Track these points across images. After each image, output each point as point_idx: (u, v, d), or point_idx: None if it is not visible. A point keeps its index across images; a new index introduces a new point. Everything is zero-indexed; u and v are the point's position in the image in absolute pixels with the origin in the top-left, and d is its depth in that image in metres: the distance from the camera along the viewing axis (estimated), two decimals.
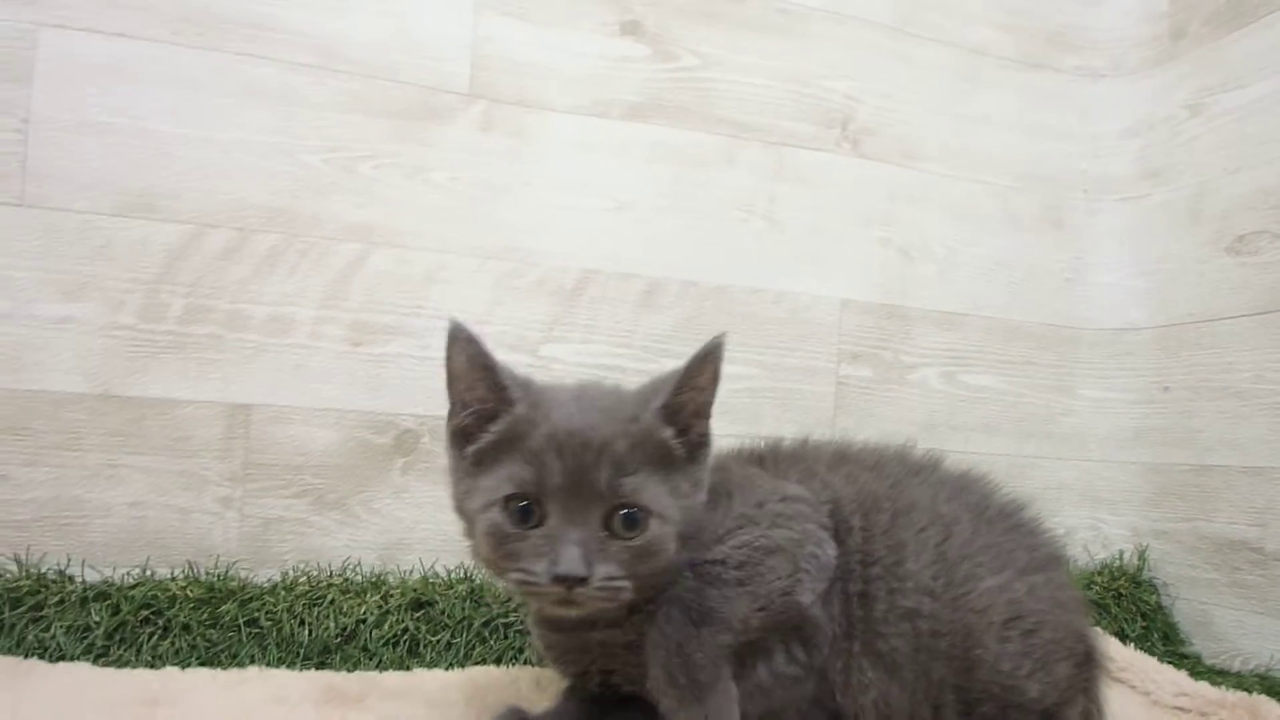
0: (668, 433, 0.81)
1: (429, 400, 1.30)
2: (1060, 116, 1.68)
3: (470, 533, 0.83)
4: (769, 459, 0.97)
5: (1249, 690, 1.23)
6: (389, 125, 1.29)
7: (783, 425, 1.48)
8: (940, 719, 0.86)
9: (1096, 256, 1.67)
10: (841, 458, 0.97)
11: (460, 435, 0.84)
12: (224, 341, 1.22)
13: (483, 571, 0.80)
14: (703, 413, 0.84)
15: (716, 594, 0.82)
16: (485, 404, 0.82)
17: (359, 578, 1.20)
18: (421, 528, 1.29)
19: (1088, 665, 0.92)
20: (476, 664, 1.16)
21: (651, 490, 0.79)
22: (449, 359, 0.84)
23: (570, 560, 0.74)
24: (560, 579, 0.74)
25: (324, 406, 1.25)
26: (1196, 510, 1.50)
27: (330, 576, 1.19)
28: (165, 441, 1.19)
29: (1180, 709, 1.03)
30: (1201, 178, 1.53)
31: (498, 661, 1.17)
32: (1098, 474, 1.64)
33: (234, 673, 1.01)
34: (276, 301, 1.24)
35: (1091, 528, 1.64)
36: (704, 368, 0.82)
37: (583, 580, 0.74)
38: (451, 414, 0.85)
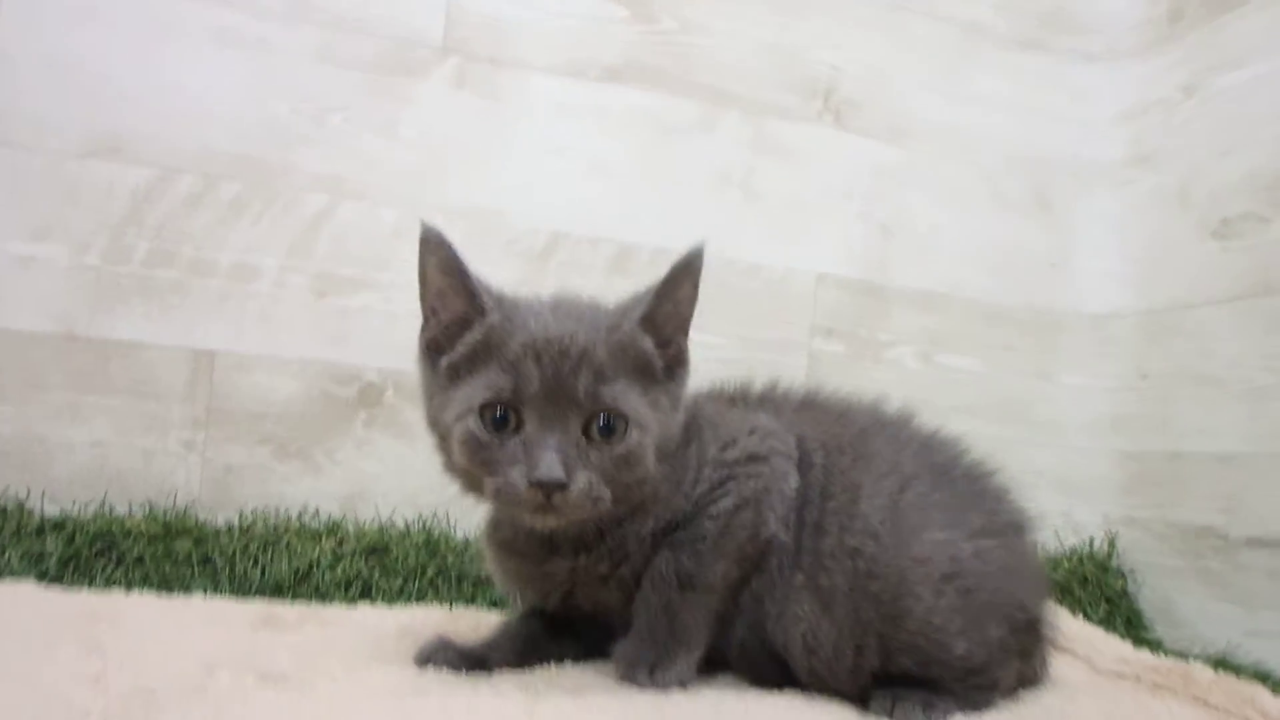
0: (648, 343, 0.81)
1: (394, 354, 1.31)
2: (1052, 98, 1.66)
3: (445, 447, 0.82)
4: (739, 398, 0.99)
5: None
6: (361, 78, 1.30)
7: None
8: (861, 660, 0.86)
9: (1083, 241, 1.65)
10: (809, 403, 0.97)
11: (433, 348, 0.83)
12: (188, 287, 1.24)
13: (458, 483, 0.80)
14: (682, 328, 0.85)
15: (696, 563, 0.84)
16: (458, 313, 0.81)
17: (316, 524, 1.22)
18: (383, 481, 1.30)
19: (1027, 632, 0.92)
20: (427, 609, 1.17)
21: (632, 399, 0.78)
22: (421, 265, 0.83)
23: (549, 465, 0.73)
24: (539, 484, 0.73)
25: (288, 356, 1.27)
26: (1167, 497, 1.49)
27: (289, 522, 1.21)
28: (129, 383, 1.21)
29: (1119, 674, 1.03)
30: (1192, 160, 1.51)
31: (450, 608, 1.18)
32: (1073, 461, 1.63)
33: (178, 599, 1.03)
34: (242, 249, 1.26)
35: (1064, 514, 1.62)
36: (683, 278, 0.83)
37: (562, 486, 0.73)
38: (424, 326, 0.84)
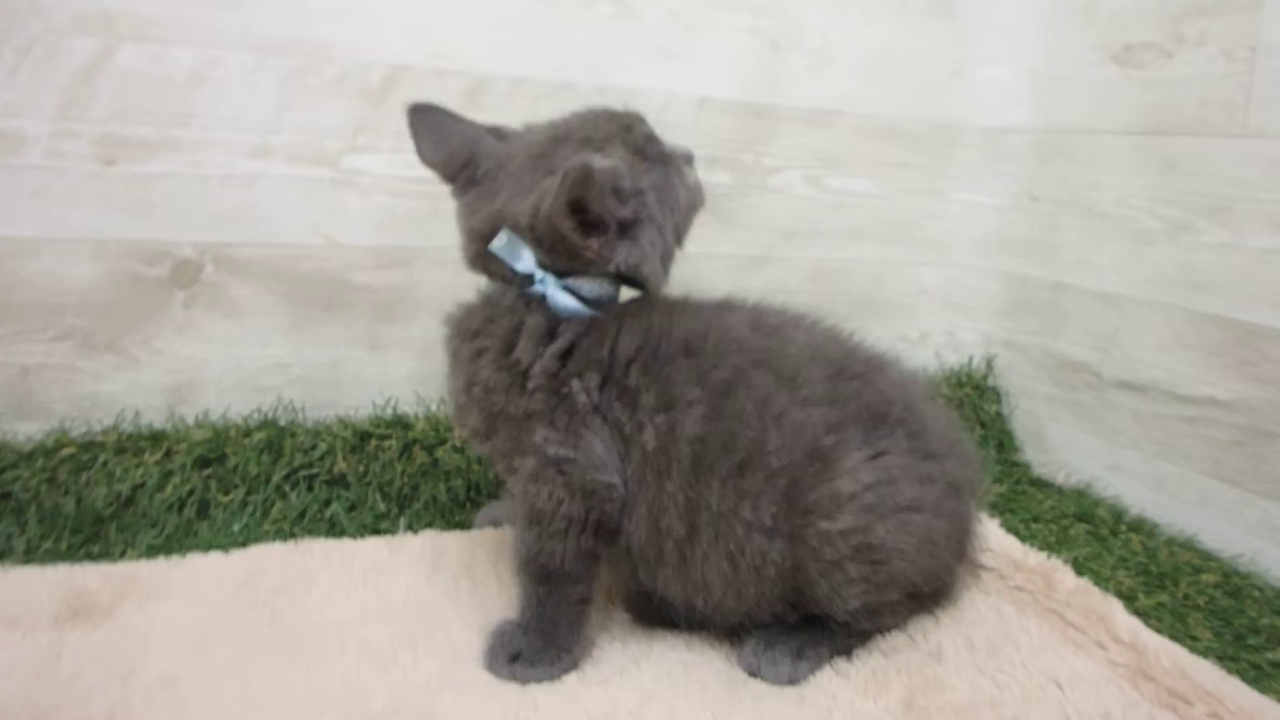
0: None
1: (210, 224, 1.12)
2: None
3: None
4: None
5: (1064, 513, 1.28)
6: None
7: None
8: (752, 618, 0.86)
9: (984, 49, 1.51)
10: (738, 378, 0.83)
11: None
12: None
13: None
14: None
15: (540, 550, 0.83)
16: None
17: (134, 430, 1.08)
18: (214, 365, 1.16)
19: (928, 598, 0.91)
20: (275, 522, 1.08)
21: None
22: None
23: None
24: None
25: (77, 237, 1.07)
26: (1046, 326, 1.47)
27: (102, 434, 1.06)
28: None
29: (982, 565, 1.03)
30: None
31: (301, 516, 1.10)
32: (959, 280, 1.59)
33: None
34: None
35: (947, 333, 1.61)
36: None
37: None
38: None
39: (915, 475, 0.83)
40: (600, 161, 0.79)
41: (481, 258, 0.87)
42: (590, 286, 0.85)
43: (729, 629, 0.87)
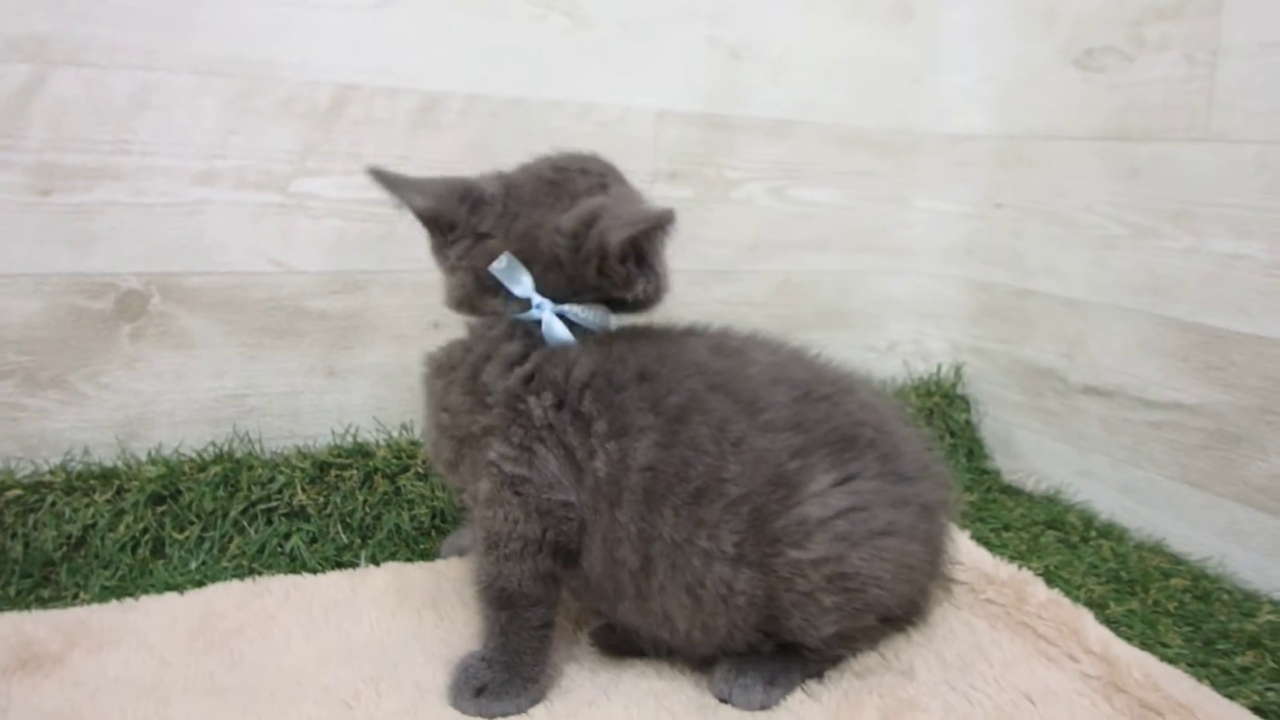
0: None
1: (155, 254, 1.09)
2: None
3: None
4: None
5: (1035, 520, 1.27)
6: None
7: None
8: (725, 649, 0.84)
9: (946, 55, 1.51)
10: (694, 403, 0.81)
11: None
12: None
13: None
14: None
15: (499, 574, 0.81)
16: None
17: (84, 469, 1.04)
18: (165, 399, 1.12)
19: (902, 620, 0.89)
20: (234, 558, 1.05)
21: None
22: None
23: None
24: None
25: (14, 271, 1.03)
26: (1013, 333, 1.47)
27: (49, 473, 1.03)
28: None
29: (953, 579, 1.02)
30: None
31: (260, 551, 1.06)
32: (925, 287, 1.59)
33: None
34: None
35: (915, 341, 1.60)
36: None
37: None
38: None
39: (889, 499, 0.81)
40: (665, 206, 0.81)
41: (473, 294, 0.86)
42: (588, 314, 0.85)
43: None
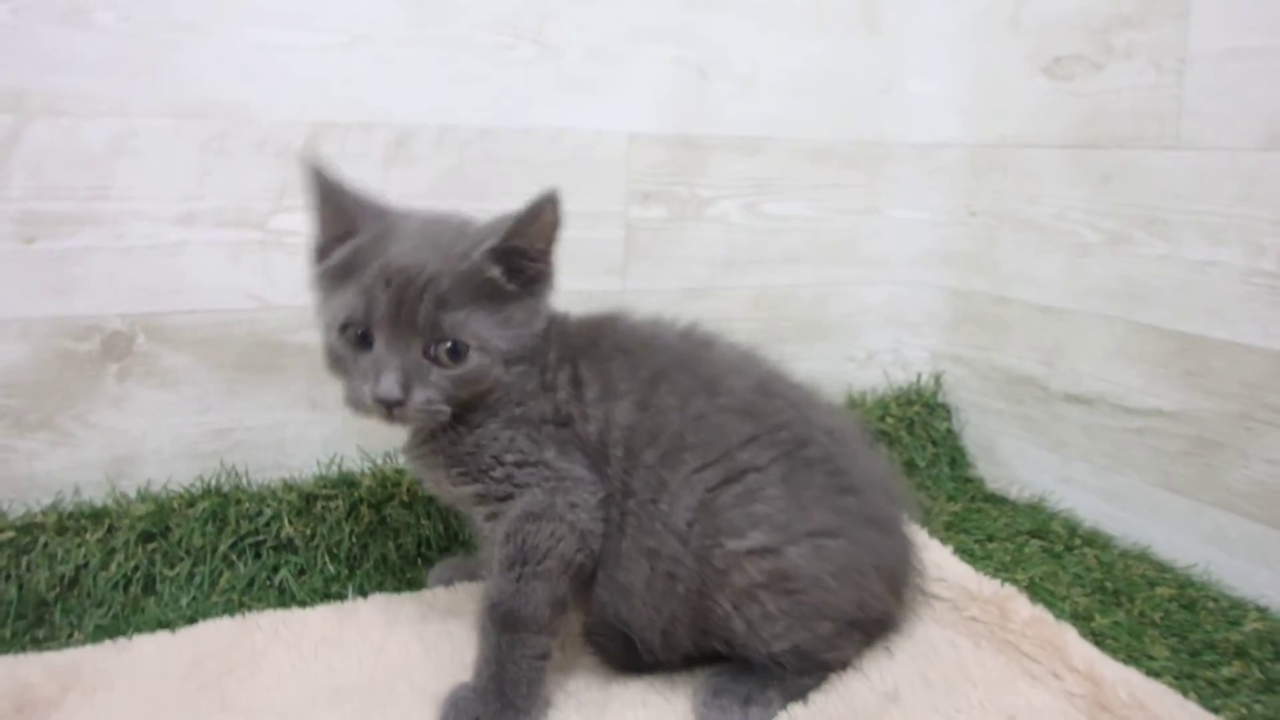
0: (495, 271, 0.84)
1: (138, 295, 1.11)
2: None
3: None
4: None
5: (1019, 530, 1.29)
6: None
7: (570, 277, 1.34)
8: (673, 642, 0.86)
9: (914, 64, 1.52)
10: (662, 374, 0.88)
11: (319, 250, 0.89)
12: None
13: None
14: (538, 258, 0.86)
15: (515, 593, 0.83)
16: (338, 231, 0.87)
17: (75, 509, 1.06)
18: (153, 436, 1.14)
19: (867, 628, 0.90)
20: (224, 593, 1.07)
21: (474, 325, 0.83)
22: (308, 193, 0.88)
23: (388, 385, 0.80)
24: (379, 400, 0.81)
25: (2, 317, 1.05)
26: (992, 340, 1.49)
27: (41, 514, 1.04)
28: None
29: (936, 596, 1.03)
30: None
31: (249, 585, 1.08)
32: (902, 296, 1.60)
33: None
34: None
35: (893, 350, 1.61)
36: (532, 221, 0.83)
37: (400, 403, 0.81)
38: (315, 236, 0.90)
39: (831, 506, 0.85)
40: None
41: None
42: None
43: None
